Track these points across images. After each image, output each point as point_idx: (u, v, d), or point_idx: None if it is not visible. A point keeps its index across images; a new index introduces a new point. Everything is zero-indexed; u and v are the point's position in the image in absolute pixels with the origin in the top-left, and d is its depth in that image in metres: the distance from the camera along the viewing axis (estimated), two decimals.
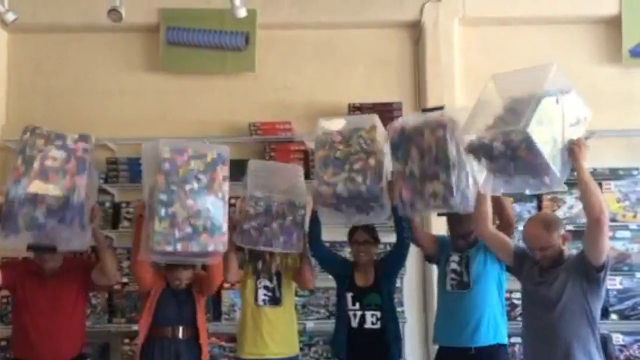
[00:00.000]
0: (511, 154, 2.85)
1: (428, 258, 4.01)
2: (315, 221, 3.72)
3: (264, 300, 3.75)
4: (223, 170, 3.40)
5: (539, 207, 4.80)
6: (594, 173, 4.39)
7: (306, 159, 4.96)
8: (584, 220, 3.06)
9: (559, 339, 2.96)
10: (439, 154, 3.22)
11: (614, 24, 5.17)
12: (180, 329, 3.65)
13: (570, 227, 4.27)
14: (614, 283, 4.66)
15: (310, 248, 3.79)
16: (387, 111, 4.79)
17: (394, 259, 3.84)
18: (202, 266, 3.72)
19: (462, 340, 3.55)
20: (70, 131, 3.58)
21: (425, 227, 4.53)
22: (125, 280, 4.76)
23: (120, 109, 5.28)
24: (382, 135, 3.57)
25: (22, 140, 3.45)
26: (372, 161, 3.45)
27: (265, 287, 3.78)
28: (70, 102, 5.28)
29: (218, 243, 3.29)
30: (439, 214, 3.77)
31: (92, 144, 3.57)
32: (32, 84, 5.38)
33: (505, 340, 3.66)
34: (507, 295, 3.97)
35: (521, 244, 3.41)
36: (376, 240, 3.84)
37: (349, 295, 3.74)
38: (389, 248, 4.18)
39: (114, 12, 4.42)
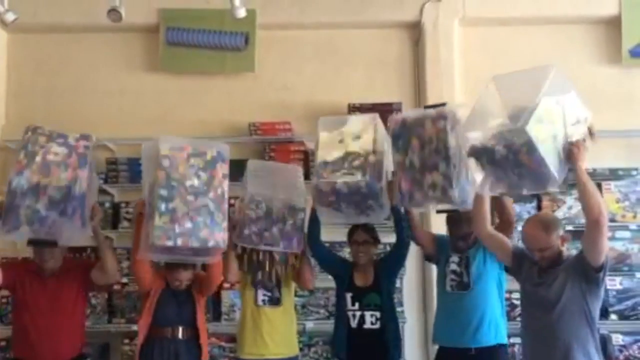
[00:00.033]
0: (513, 158, 2.85)
1: (428, 258, 4.01)
2: (314, 220, 3.72)
3: (263, 301, 3.75)
4: (223, 168, 3.41)
5: (539, 208, 4.80)
6: (594, 173, 4.42)
7: (306, 159, 4.96)
8: (583, 220, 3.06)
9: (558, 340, 2.96)
10: (439, 144, 3.24)
11: (613, 24, 5.17)
12: (180, 329, 3.65)
13: (569, 228, 4.28)
14: (613, 283, 4.67)
15: (310, 248, 3.79)
16: (387, 111, 4.74)
17: (394, 259, 3.84)
18: (202, 266, 3.72)
19: (462, 340, 3.55)
20: (70, 131, 3.61)
21: (425, 226, 4.52)
22: (125, 280, 4.76)
23: (120, 109, 5.28)
24: (382, 136, 3.57)
25: (23, 139, 3.49)
26: (372, 158, 3.47)
27: (265, 288, 3.77)
28: (71, 102, 5.29)
29: (218, 239, 3.29)
30: (438, 211, 3.78)
31: (93, 143, 3.60)
32: (32, 84, 5.38)
33: (505, 340, 3.66)
34: (507, 295, 3.97)
35: (520, 244, 3.41)
36: (376, 240, 3.84)
37: (349, 296, 3.74)
38: (388, 248, 4.18)
39: (113, 12, 4.42)
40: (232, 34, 5.20)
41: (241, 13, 4.52)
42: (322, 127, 3.67)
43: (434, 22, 5.19)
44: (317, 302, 4.83)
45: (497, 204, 3.47)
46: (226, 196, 3.38)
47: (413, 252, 4.08)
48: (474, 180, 3.27)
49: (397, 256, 3.82)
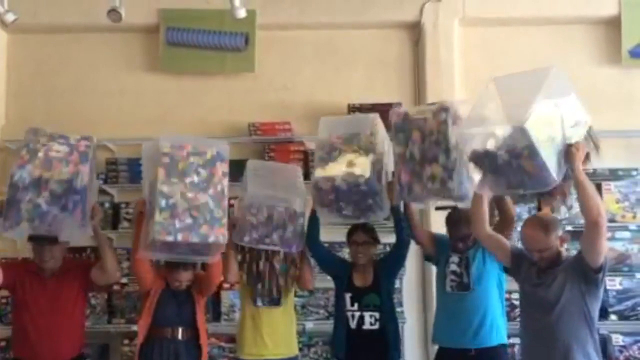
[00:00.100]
0: (516, 163, 2.85)
1: (428, 258, 4.01)
2: (314, 220, 3.72)
3: (263, 301, 3.74)
4: (222, 167, 3.42)
5: (539, 208, 4.79)
6: (594, 174, 4.40)
7: (306, 159, 4.96)
8: (582, 221, 3.05)
9: (557, 341, 2.96)
10: (440, 137, 3.26)
11: (613, 24, 5.17)
12: (180, 329, 3.65)
13: (569, 228, 4.27)
14: (613, 284, 4.67)
15: (309, 248, 3.78)
16: (387, 111, 4.70)
17: (394, 259, 3.84)
18: (202, 266, 3.72)
19: (463, 341, 3.56)
20: (70, 131, 3.63)
21: (425, 225, 4.52)
22: (124, 280, 4.76)
23: (120, 109, 5.29)
24: (382, 136, 3.58)
25: (25, 140, 3.52)
26: (372, 157, 3.47)
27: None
28: (71, 102, 5.29)
29: (218, 234, 3.29)
30: (437, 208, 3.77)
31: (94, 144, 3.63)
32: (32, 84, 5.38)
33: (505, 341, 3.66)
34: (507, 295, 3.97)
35: (519, 244, 3.41)
36: (375, 241, 3.83)
37: (348, 296, 3.73)
38: (388, 248, 4.18)
39: (113, 13, 4.42)
40: (232, 34, 5.20)
41: (241, 13, 4.52)
42: (323, 128, 3.68)
43: (434, 22, 5.20)
44: (317, 302, 4.83)
45: (497, 202, 3.48)
46: (226, 193, 3.39)
47: (413, 253, 4.08)
48: (472, 178, 3.26)
49: (396, 256, 3.82)
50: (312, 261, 3.88)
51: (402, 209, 3.69)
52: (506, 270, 3.39)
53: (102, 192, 4.77)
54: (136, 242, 3.51)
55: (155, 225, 3.19)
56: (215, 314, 4.83)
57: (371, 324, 3.68)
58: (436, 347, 3.81)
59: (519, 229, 3.56)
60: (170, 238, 3.20)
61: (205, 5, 5.24)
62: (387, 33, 5.38)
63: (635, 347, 4.61)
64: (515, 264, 3.21)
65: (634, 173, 4.90)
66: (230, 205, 3.64)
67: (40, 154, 3.42)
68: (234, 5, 4.45)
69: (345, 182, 3.44)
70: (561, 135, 2.90)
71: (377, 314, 3.68)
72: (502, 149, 2.88)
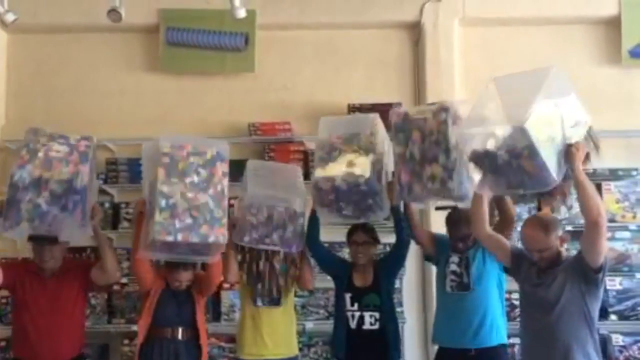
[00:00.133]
0: (516, 163, 2.85)
1: (427, 257, 4.01)
2: (314, 220, 3.72)
3: (263, 301, 3.74)
4: (222, 167, 3.42)
5: (539, 208, 4.79)
6: (594, 174, 4.40)
7: (306, 159, 4.96)
8: (583, 220, 3.05)
9: (557, 341, 2.95)
10: (440, 137, 3.26)
11: (613, 24, 5.17)
12: (180, 329, 3.65)
13: (569, 228, 4.27)
14: (613, 284, 4.67)
15: (309, 248, 3.78)
16: (387, 111, 4.71)
17: (394, 259, 3.84)
18: (202, 266, 3.72)
19: (463, 341, 3.56)
20: (70, 131, 3.64)
21: (425, 225, 4.52)
22: (124, 280, 4.76)
23: (120, 109, 5.29)
24: (382, 136, 3.58)
25: (25, 140, 3.52)
26: (372, 157, 3.47)
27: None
28: (70, 102, 5.29)
29: (218, 234, 3.30)
30: (437, 208, 3.77)
31: (94, 144, 3.63)
32: (32, 84, 5.38)
33: (505, 340, 3.66)
34: (507, 295, 3.97)
35: (519, 244, 3.41)
36: (375, 241, 3.83)
37: (348, 296, 3.73)
38: (388, 248, 4.18)
39: (113, 13, 4.42)
40: (232, 34, 5.20)
41: (241, 13, 4.52)
42: (323, 128, 3.68)
43: (434, 22, 5.20)
44: (317, 302, 4.83)
45: (497, 202, 3.47)
46: (226, 193, 3.39)
47: (413, 253, 4.08)
48: (472, 178, 3.26)
49: (396, 256, 3.82)
50: (312, 261, 3.88)
51: (402, 209, 3.69)
52: (506, 270, 3.38)
53: (102, 192, 4.77)
54: (136, 242, 3.51)
55: (155, 225, 3.20)
56: (215, 314, 4.83)
57: (371, 324, 3.67)
58: (436, 347, 3.81)
59: (519, 229, 3.57)
60: (170, 238, 3.21)
61: (205, 5, 5.24)
62: (387, 33, 5.38)
63: (635, 347, 4.60)
64: (515, 264, 3.21)
65: (634, 173, 4.90)
66: (230, 206, 3.64)
67: (40, 154, 3.42)
68: (234, 5, 4.45)
69: (345, 182, 3.44)
70: (561, 135, 2.90)
71: (377, 314, 3.67)
72: (502, 148, 2.87)
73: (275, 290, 3.68)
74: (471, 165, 3.11)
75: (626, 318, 4.68)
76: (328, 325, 4.21)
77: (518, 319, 3.50)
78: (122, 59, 5.39)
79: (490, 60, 5.08)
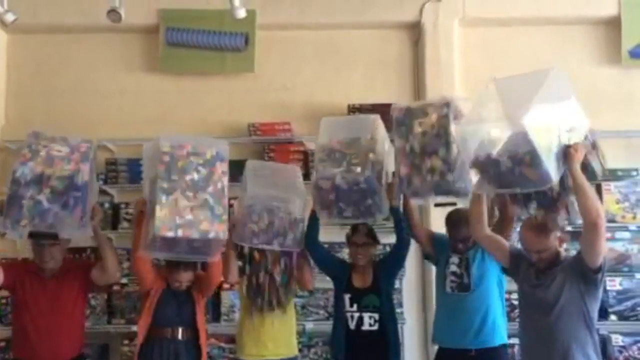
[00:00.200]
0: (518, 169, 2.84)
1: (427, 256, 4.00)
2: (313, 221, 3.72)
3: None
4: (222, 166, 3.43)
5: None
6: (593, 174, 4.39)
7: (305, 159, 4.96)
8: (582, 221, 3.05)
9: (556, 342, 2.95)
10: (441, 130, 3.29)
11: (613, 24, 5.17)
12: (180, 330, 3.65)
13: (569, 228, 4.26)
14: (613, 284, 4.67)
15: (308, 248, 3.77)
16: (386, 112, 4.78)
17: (393, 260, 3.83)
18: (202, 266, 3.72)
19: (463, 342, 3.56)
20: (70, 131, 3.68)
21: (425, 224, 4.52)
22: (124, 281, 4.76)
23: (120, 109, 5.29)
24: (382, 136, 3.58)
25: (26, 142, 3.54)
26: (371, 155, 3.48)
27: None
28: (70, 102, 5.30)
29: (219, 230, 3.30)
30: (436, 204, 3.76)
31: (95, 147, 3.65)
32: (32, 84, 5.39)
33: (505, 341, 3.66)
34: (507, 295, 3.96)
35: (518, 245, 3.41)
36: (375, 241, 3.83)
37: (347, 297, 3.73)
38: (388, 249, 4.18)
39: (113, 13, 4.43)
40: (232, 35, 5.20)
41: (241, 13, 4.53)
42: (324, 130, 3.68)
43: (434, 23, 5.20)
44: (317, 302, 4.83)
45: (498, 200, 3.47)
46: (226, 191, 3.39)
47: (413, 253, 4.08)
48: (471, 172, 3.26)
49: (396, 257, 3.81)
50: (312, 261, 3.88)
51: (401, 209, 3.68)
52: (505, 270, 3.39)
53: (102, 192, 4.77)
54: (136, 241, 3.51)
55: (156, 220, 3.20)
56: (215, 314, 4.83)
57: (370, 325, 3.67)
58: (436, 347, 3.81)
59: (518, 229, 3.57)
60: (171, 234, 3.21)
61: (205, 5, 5.24)
62: (387, 33, 5.38)
63: (635, 348, 4.60)
64: (514, 265, 3.21)
65: (634, 173, 4.90)
66: (230, 206, 3.64)
67: (42, 153, 3.45)
68: (234, 5, 4.46)
69: (345, 180, 3.44)
70: (557, 138, 2.89)
71: (376, 315, 3.67)
72: (504, 155, 2.86)
73: (275, 302, 3.67)
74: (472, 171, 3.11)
75: (626, 318, 4.68)
76: (328, 326, 4.20)
77: (518, 319, 3.50)
78: (122, 59, 5.39)
79: (490, 60, 5.09)
